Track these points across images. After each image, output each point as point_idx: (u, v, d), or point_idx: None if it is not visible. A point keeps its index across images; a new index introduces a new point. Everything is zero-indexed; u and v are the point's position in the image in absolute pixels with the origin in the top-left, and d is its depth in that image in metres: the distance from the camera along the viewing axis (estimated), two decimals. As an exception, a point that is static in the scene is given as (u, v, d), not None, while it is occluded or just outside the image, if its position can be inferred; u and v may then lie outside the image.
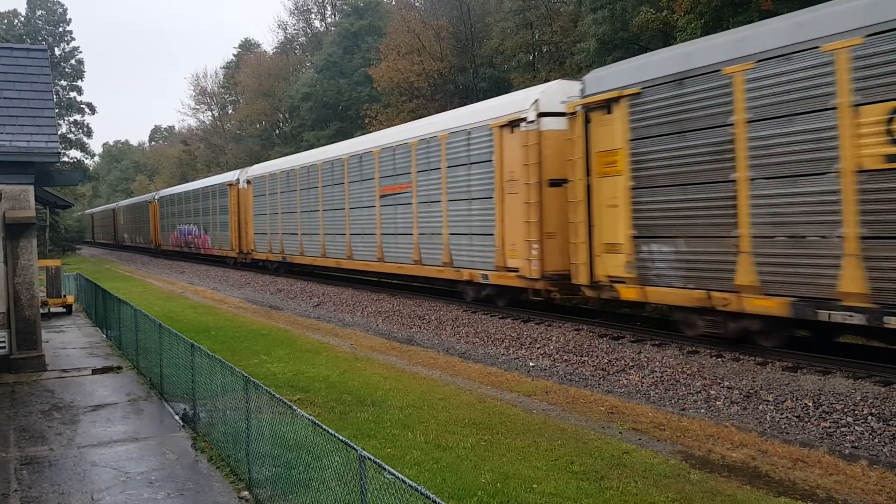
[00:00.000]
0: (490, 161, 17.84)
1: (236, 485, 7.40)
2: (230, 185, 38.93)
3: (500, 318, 17.77)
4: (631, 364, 12.75)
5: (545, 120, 16.45)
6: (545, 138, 16.45)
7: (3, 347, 13.40)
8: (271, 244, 33.93)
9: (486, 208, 18.11)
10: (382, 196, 23.18)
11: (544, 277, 16.39)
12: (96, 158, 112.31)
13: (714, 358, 12.49)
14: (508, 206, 17.28)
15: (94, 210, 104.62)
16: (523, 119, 16.75)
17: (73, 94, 72.47)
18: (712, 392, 10.92)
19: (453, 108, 27.32)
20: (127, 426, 9.80)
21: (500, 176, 17.46)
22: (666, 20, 25.23)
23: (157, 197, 58.34)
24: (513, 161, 17.05)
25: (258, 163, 47.30)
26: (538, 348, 14.61)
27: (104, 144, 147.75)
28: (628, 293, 13.95)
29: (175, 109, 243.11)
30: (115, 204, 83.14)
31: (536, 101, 16.69)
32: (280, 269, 34.21)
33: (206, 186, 44.45)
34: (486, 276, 18.17)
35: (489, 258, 17.96)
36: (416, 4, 51.07)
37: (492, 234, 17.80)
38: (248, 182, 36.68)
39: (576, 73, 26.80)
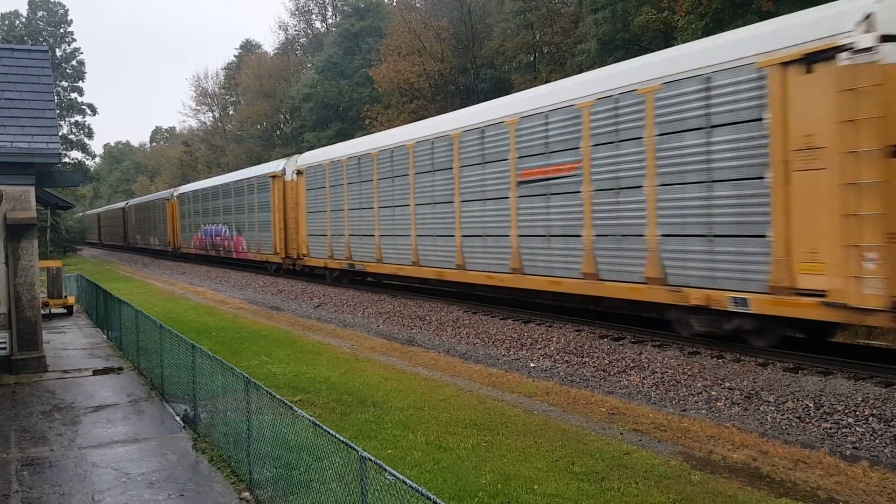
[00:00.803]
0: (759, 120, 11.69)
1: (237, 486, 7.41)
2: (273, 176, 32.86)
3: (501, 320, 17.77)
4: (632, 365, 12.74)
5: (887, 47, 10.24)
6: (890, 77, 10.17)
7: (4, 348, 13.40)
8: (332, 248, 27.49)
9: (746, 194, 12.00)
10: (521, 183, 16.95)
11: (892, 309, 10.08)
12: (97, 159, 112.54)
13: (715, 359, 12.49)
14: (801, 190, 11.18)
15: (100, 210, 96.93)
16: (841, 48, 10.56)
17: (73, 95, 72.51)
18: (713, 393, 10.92)
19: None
20: (128, 427, 9.80)
21: (782, 141, 11.37)
22: (667, 20, 25.25)
23: (176, 194, 52.18)
24: (811, 117, 11.00)
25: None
26: (539, 349, 14.61)
27: (105, 145, 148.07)
28: None
29: (176, 110, 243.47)
30: (124, 203, 76.70)
31: (869, 16, 10.28)
32: (343, 278, 28.35)
33: (241, 180, 38.01)
34: (742, 301, 12.02)
35: (756, 271, 11.79)
36: (417, 5, 51.12)
37: (764, 236, 11.65)
38: (299, 173, 30.25)
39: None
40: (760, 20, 16.33)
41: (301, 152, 41.28)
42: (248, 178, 37.00)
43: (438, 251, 20.48)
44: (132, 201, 72.39)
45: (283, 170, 32.13)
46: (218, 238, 41.37)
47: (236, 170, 51.70)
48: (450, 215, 19.83)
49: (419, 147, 21.19)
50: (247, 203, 36.65)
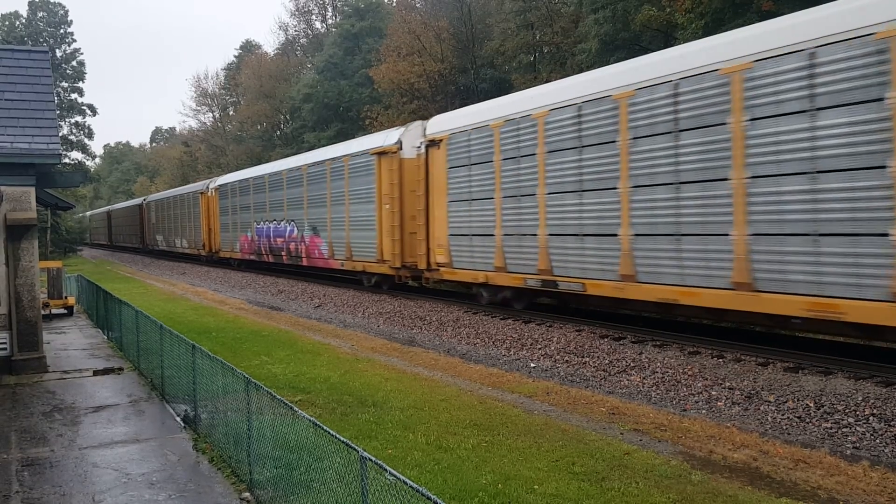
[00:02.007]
0: (879, 101, 10.09)
1: (237, 486, 7.40)
2: (381, 153, 23.44)
3: (502, 319, 17.77)
4: (632, 365, 12.74)
5: None
6: None
7: (5, 349, 13.41)
8: (503, 254, 17.57)
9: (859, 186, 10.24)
10: None
11: None
12: (97, 160, 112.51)
13: (715, 359, 12.49)
14: None
15: (111, 207, 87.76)
16: None
17: (74, 96, 72.58)
18: (713, 393, 10.92)
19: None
20: (128, 427, 9.80)
21: None
22: (668, 19, 25.27)
23: (214, 186, 43.17)
24: None
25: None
26: (539, 349, 14.60)
27: (105, 146, 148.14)
28: None
29: (176, 111, 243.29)
30: (141, 199, 67.89)
31: None
32: (517, 302, 18.56)
33: (321, 162, 28.51)
34: None
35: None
36: (417, 6, 51.11)
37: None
38: (433, 143, 20.38)
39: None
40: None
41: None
42: (334, 159, 27.28)
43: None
44: (152, 197, 63.13)
45: (399, 142, 22.80)
46: (279, 240, 32.49)
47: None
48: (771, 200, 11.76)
49: (691, 93, 12.90)
50: (330, 193, 27.42)
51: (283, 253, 32.28)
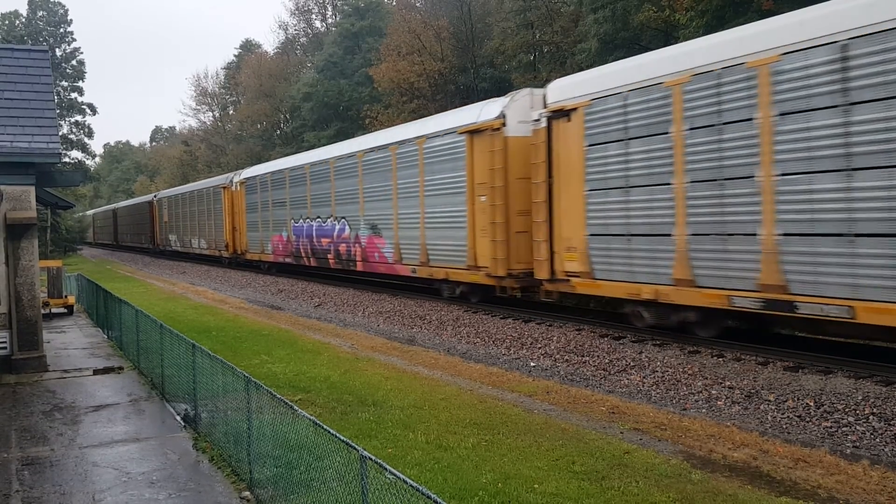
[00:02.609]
0: None
1: (237, 485, 7.41)
2: (475, 131, 18.30)
3: (502, 319, 17.77)
4: (632, 364, 12.74)
5: None
6: None
7: (5, 348, 13.41)
8: (688, 263, 13.08)
9: None
10: None
11: None
12: (97, 159, 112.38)
13: (715, 358, 12.49)
14: None
15: (117, 205, 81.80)
16: None
17: (73, 95, 72.52)
18: (713, 392, 10.92)
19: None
20: (128, 426, 9.80)
21: None
22: (668, 19, 25.27)
23: (239, 179, 38.24)
24: None
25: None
26: (539, 348, 14.60)
27: (105, 145, 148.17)
28: None
29: (176, 110, 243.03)
30: (151, 196, 63.05)
31: None
32: (710, 325, 13.69)
33: (383, 146, 23.30)
34: None
35: None
36: (417, 5, 51.11)
37: None
38: (559, 114, 15.58)
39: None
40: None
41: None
42: (402, 143, 21.97)
43: None
44: (165, 193, 57.87)
45: (502, 116, 17.60)
46: (325, 240, 27.74)
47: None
48: None
49: None
50: (397, 184, 22.22)
51: (329, 256, 27.32)
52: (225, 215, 39.49)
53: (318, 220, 28.25)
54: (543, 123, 15.98)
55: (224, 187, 39.69)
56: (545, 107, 16.12)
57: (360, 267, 25.14)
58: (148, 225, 59.07)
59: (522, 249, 17.32)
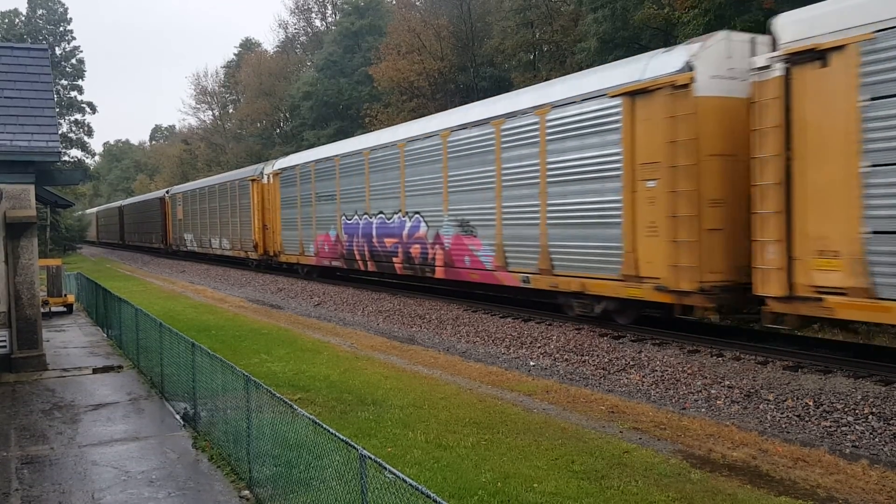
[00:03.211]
0: None
1: (237, 484, 7.41)
2: (639, 91, 13.72)
3: (501, 318, 17.77)
4: (631, 363, 12.75)
5: None
6: None
7: (4, 346, 13.40)
8: None
9: None
10: None
11: None
12: (97, 158, 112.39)
13: (714, 357, 12.49)
14: None
15: (124, 202, 76.04)
16: None
17: (73, 94, 72.58)
18: (713, 391, 10.92)
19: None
20: (128, 425, 9.80)
21: None
22: (668, 17, 25.27)
23: (272, 171, 33.19)
24: None
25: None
26: (539, 347, 14.61)
27: (105, 144, 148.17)
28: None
29: (176, 108, 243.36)
30: (163, 191, 57.90)
31: None
32: None
33: (481, 121, 18.39)
34: None
35: None
36: (417, 4, 51.11)
37: None
38: (808, 57, 10.83)
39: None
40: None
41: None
42: (511, 115, 17.22)
43: None
44: (179, 188, 53.32)
45: (688, 68, 12.96)
46: (389, 241, 22.71)
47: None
48: None
49: None
50: (500, 169, 17.49)
51: (394, 259, 22.55)
52: (254, 211, 34.62)
53: (381, 216, 23.27)
54: (776, 72, 11.26)
55: (253, 180, 34.81)
56: (774, 49, 11.48)
57: (440, 274, 20.16)
58: (159, 223, 54.65)
59: (717, 254, 12.72)
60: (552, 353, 14.07)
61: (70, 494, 7.30)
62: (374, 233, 23.79)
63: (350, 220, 25.52)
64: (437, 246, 20.28)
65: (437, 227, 20.26)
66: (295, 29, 76.09)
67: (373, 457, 4.87)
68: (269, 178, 33.56)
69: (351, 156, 25.65)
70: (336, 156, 26.83)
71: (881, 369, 10.80)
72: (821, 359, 11.64)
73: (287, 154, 38.17)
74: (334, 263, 26.82)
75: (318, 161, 28.54)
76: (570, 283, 15.53)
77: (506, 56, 39.84)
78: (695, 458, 8.14)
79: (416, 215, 21.31)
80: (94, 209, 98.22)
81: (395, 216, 22.44)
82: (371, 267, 24.28)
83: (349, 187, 25.63)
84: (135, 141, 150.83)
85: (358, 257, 25.00)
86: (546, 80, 25.61)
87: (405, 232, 21.87)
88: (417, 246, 21.24)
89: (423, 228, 20.97)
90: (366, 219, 24.39)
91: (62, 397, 11.44)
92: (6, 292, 13.37)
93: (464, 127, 18.99)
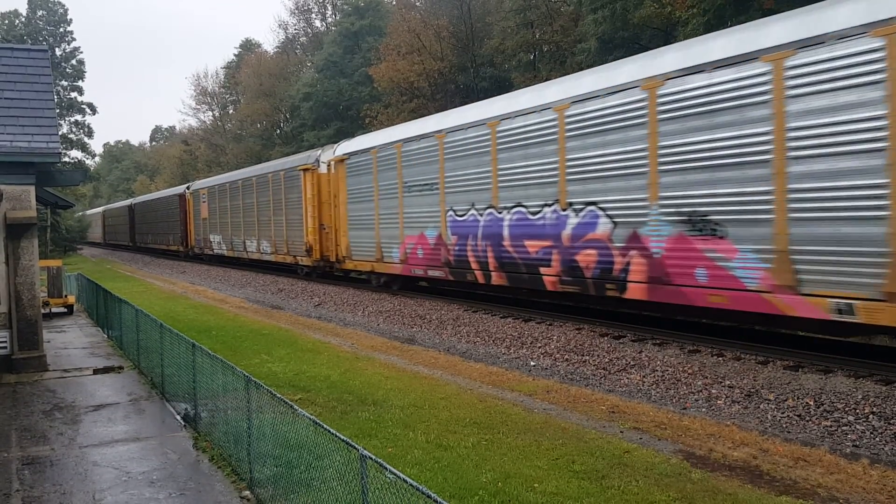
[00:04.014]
0: None
1: (238, 484, 7.41)
2: None
3: (502, 318, 17.76)
4: (632, 363, 12.75)
5: None
6: None
7: (5, 347, 13.41)
8: None
9: None
10: None
11: None
12: (97, 159, 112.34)
13: (715, 357, 12.49)
14: None
15: (135, 200, 69.15)
16: None
17: (73, 95, 72.62)
18: (713, 391, 10.92)
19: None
20: (128, 426, 9.81)
21: None
22: (668, 16, 25.30)
23: (334, 158, 26.61)
24: None
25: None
26: (539, 347, 14.61)
27: (105, 144, 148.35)
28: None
29: (176, 109, 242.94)
30: (182, 187, 50.72)
31: None
32: None
33: (735, 59, 11.82)
34: None
35: None
36: (417, 4, 51.13)
37: None
38: None
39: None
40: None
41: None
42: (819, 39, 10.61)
43: None
44: (203, 183, 46.48)
45: None
46: (534, 244, 16.81)
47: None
48: None
49: None
50: (790, 128, 11.01)
51: (544, 270, 16.43)
52: (306, 208, 28.52)
53: (518, 210, 17.07)
54: None
55: (305, 169, 28.52)
56: None
57: (639, 293, 14.01)
58: (177, 223, 48.87)
59: None
60: (553, 353, 14.07)
61: (71, 495, 7.30)
62: (505, 233, 17.48)
63: (462, 216, 19.00)
64: (632, 252, 14.08)
65: (632, 223, 14.06)
66: (295, 29, 76.24)
67: (373, 457, 4.87)
68: (329, 166, 27.12)
69: (464, 130, 18.83)
70: (439, 132, 20.02)
71: (882, 369, 10.80)
72: (821, 358, 11.64)
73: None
74: (433, 273, 20.48)
75: (407, 141, 21.70)
76: None
77: (506, 56, 39.86)
78: (695, 458, 8.14)
79: (590, 207, 15.10)
80: (101, 208, 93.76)
81: (547, 209, 16.23)
82: (498, 279, 17.85)
83: (461, 173, 18.95)
84: (135, 142, 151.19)
85: (475, 266, 18.58)
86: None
87: (566, 231, 15.71)
88: (591, 252, 15.09)
89: (602, 226, 14.78)
90: (490, 214, 17.97)
91: (63, 398, 11.44)
92: (7, 293, 13.38)
93: (696, 70, 12.58)
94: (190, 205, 47.17)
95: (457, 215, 19.45)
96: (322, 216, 27.96)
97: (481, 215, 18.42)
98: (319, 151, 29.04)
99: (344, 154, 25.87)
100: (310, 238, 28.57)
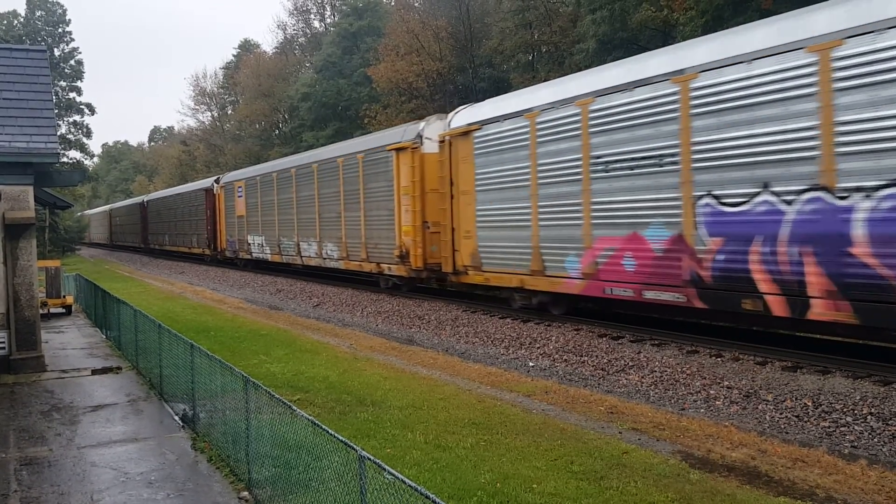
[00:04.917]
0: None
1: (236, 485, 7.40)
2: None
3: (500, 318, 17.76)
4: (630, 364, 12.75)
5: None
6: None
7: (3, 348, 13.39)
8: None
9: None
10: None
11: None
12: (95, 159, 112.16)
13: (713, 357, 12.49)
14: None
15: (150, 196, 62.13)
16: None
17: (72, 95, 72.57)
18: (712, 392, 10.93)
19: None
20: (126, 427, 9.80)
21: None
22: (666, 19, 25.32)
23: (447, 133, 19.60)
24: None
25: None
26: (538, 348, 14.61)
27: (103, 145, 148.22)
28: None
29: (174, 110, 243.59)
30: (209, 181, 43.99)
31: None
32: None
33: None
34: None
35: None
36: (416, 5, 51.14)
37: None
38: None
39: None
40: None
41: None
42: None
43: None
44: (235, 175, 40.02)
45: None
46: None
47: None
48: None
49: None
50: None
51: None
52: (399, 200, 21.79)
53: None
54: None
55: (400, 148, 21.60)
56: None
57: None
58: (202, 222, 42.95)
59: None
60: (551, 354, 14.07)
61: (69, 496, 7.29)
62: (859, 232, 10.36)
63: (738, 205, 12.02)
64: None
65: None
66: (293, 30, 76.21)
67: (372, 458, 4.87)
68: (442, 141, 19.79)
69: (746, 64, 11.84)
70: (679, 73, 12.98)
71: (880, 370, 10.80)
72: (820, 359, 11.64)
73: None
74: (656, 296, 13.55)
75: (602, 94, 14.57)
76: None
77: (504, 57, 39.86)
78: (694, 459, 8.14)
79: None
80: (107, 206, 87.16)
81: None
82: (830, 311, 10.78)
83: (734, 135, 11.99)
84: (133, 142, 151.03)
85: (767, 287, 11.65)
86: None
87: None
88: None
89: None
90: (815, 201, 10.91)
91: (61, 399, 11.43)
92: (5, 294, 13.36)
93: None
94: (220, 200, 40.62)
95: (723, 204, 12.31)
96: (425, 211, 20.98)
97: (790, 203, 11.27)
98: (422, 124, 21.56)
99: (470, 124, 18.57)
100: (405, 240, 21.52)
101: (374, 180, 23.52)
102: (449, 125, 19.86)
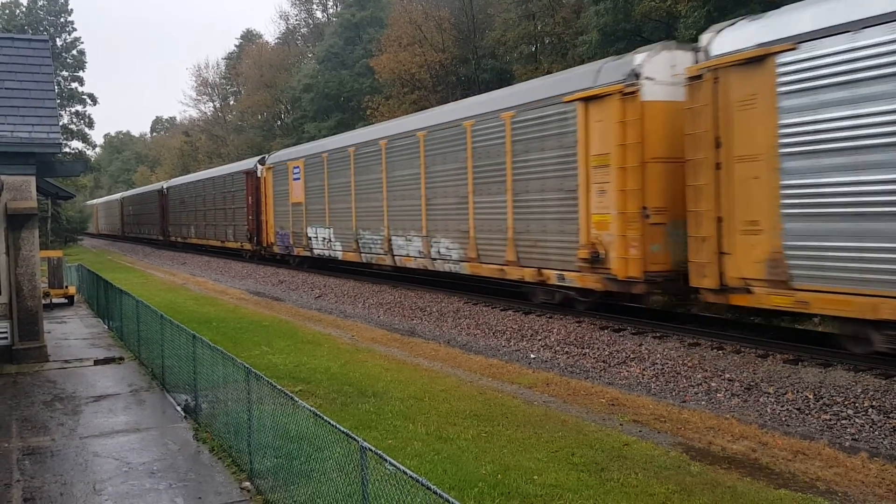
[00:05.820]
0: None
1: (238, 475, 7.43)
2: None
3: (502, 311, 17.77)
4: (632, 356, 12.76)
5: None
6: None
7: (6, 338, 13.43)
8: None
9: None
10: None
11: None
12: (98, 149, 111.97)
13: (715, 350, 12.50)
14: None
15: (170, 182, 55.32)
16: None
17: (74, 85, 72.43)
18: (713, 384, 10.94)
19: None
20: (129, 417, 9.83)
21: None
22: (669, 9, 25.20)
23: (710, 64, 11.90)
24: None
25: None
26: (539, 340, 14.62)
27: (105, 135, 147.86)
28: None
29: (176, 100, 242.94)
30: (252, 162, 36.70)
31: None
32: None
33: None
34: None
35: None
36: (418, -5, 50.93)
37: None
38: None
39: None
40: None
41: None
42: None
43: None
44: (286, 154, 32.72)
45: None
46: None
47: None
48: None
49: None
50: None
51: None
52: (587, 172, 14.67)
53: None
54: None
55: (593, 96, 14.34)
56: None
57: None
58: (241, 212, 36.47)
59: None
60: (553, 346, 14.08)
61: (71, 486, 7.32)
62: None
63: None
64: None
65: None
66: (296, 20, 75.93)
67: (373, 449, 4.88)
68: (698, 78, 12.38)
69: None
70: None
71: (881, 363, 10.79)
72: (821, 352, 11.64)
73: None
74: None
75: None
76: None
77: (507, 48, 39.69)
78: (695, 451, 8.16)
79: None
80: (118, 195, 80.00)
81: None
82: None
83: None
84: (135, 132, 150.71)
85: None
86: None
87: None
88: None
89: None
90: None
91: (63, 389, 11.47)
92: (7, 284, 13.39)
93: None
94: (266, 185, 33.36)
95: None
96: (647, 191, 13.70)
97: None
98: (637, 57, 13.87)
99: (768, 44, 11.18)
100: (598, 234, 14.54)
101: (535, 148, 16.25)
102: (708, 52, 12.35)
